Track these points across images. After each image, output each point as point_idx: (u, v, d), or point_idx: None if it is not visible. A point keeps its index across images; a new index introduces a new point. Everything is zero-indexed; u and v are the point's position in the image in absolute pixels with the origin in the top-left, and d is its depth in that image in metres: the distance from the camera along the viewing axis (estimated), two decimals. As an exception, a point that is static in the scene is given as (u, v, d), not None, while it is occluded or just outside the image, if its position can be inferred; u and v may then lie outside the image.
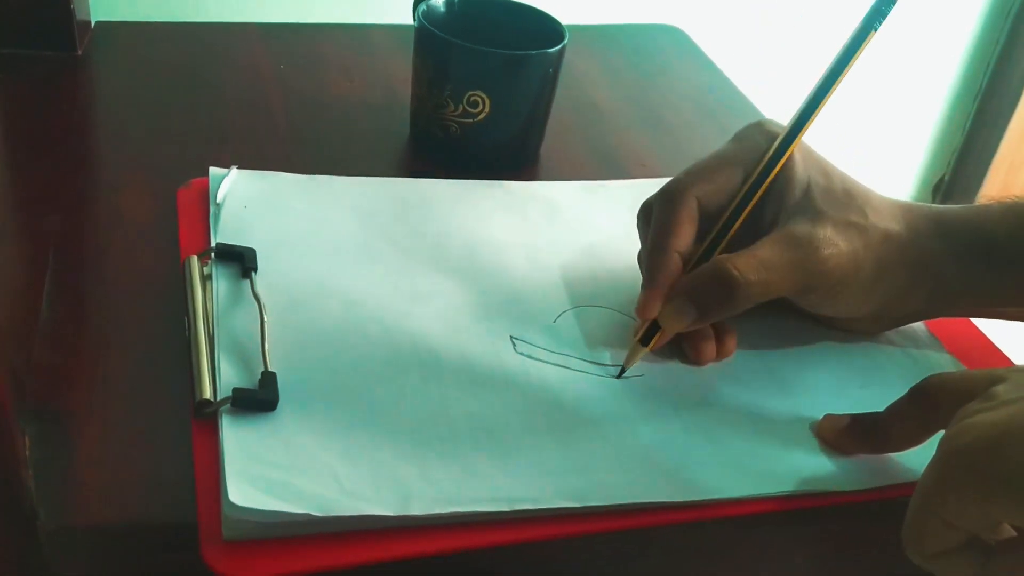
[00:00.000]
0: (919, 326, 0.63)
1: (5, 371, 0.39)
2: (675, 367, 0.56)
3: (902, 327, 0.62)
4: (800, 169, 0.56)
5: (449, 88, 0.70)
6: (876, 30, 0.55)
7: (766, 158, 0.56)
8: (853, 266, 0.54)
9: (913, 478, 0.50)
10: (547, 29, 0.73)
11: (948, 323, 0.64)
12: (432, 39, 0.69)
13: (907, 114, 1.83)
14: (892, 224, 0.56)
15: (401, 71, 0.79)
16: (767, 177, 0.55)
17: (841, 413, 0.53)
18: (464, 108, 0.70)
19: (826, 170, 0.57)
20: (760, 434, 0.53)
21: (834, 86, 0.56)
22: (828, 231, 0.54)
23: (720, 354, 0.57)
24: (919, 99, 1.82)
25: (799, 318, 0.61)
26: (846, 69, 0.56)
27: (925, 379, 0.48)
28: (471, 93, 0.69)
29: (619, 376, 0.55)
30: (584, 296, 0.60)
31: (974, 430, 0.40)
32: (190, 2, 1.15)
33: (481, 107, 0.70)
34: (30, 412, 0.48)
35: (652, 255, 0.55)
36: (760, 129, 0.57)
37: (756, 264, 0.53)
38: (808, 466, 0.51)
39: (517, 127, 0.73)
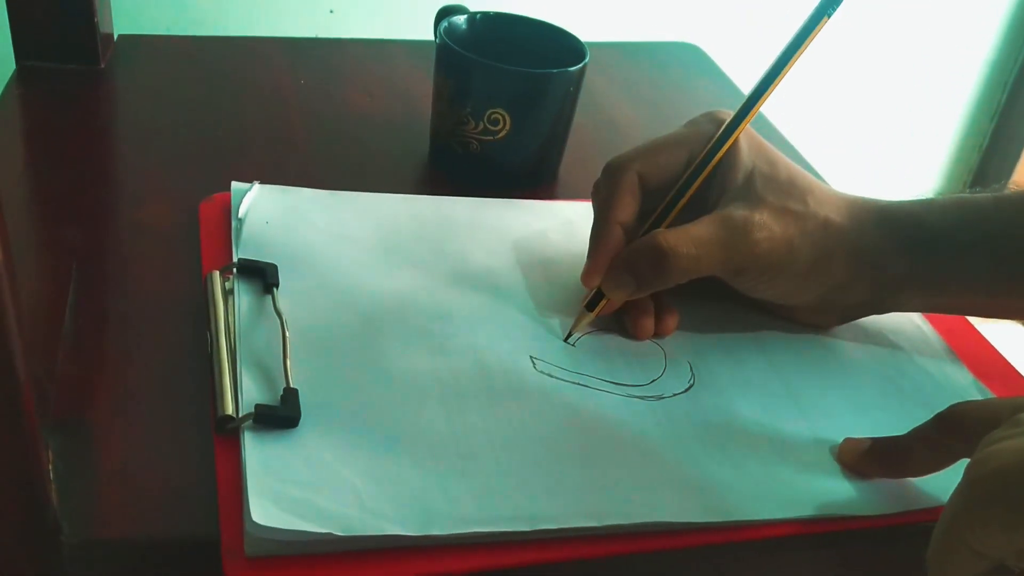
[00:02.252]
0: (938, 343, 0.63)
1: (30, 384, 0.39)
2: (696, 388, 0.56)
3: (922, 351, 0.62)
4: (745, 156, 0.58)
5: (470, 105, 0.70)
6: (830, 16, 0.56)
7: (712, 141, 0.58)
8: (787, 251, 0.56)
9: (934, 504, 0.51)
10: (568, 47, 0.73)
11: (966, 342, 0.64)
12: (454, 56, 0.69)
13: (924, 133, 1.83)
14: (833, 214, 0.58)
15: (421, 87, 0.79)
16: (712, 159, 0.57)
17: (861, 436, 0.53)
18: (485, 126, 0.70)
19: (772, 159, 0.58)
20: (780, 456, 0.53)
21: (783, 72, 0.57)
22: (764, 215, 0.56)
23: (659, 331, 0.60)
24: (936, 118, 1.82)
25: (817, 336, 0.62)
26: (796, 54, 0.56)
27: (950, 406, 0.48)
28: (492, 111, 0.69)
29: (565, 339, 0.58)
30: (604, 316, 0.60)
31: (1000, 457, 0.40)
32: (212, 16, 1.16)
33: (502, 125, 0.70)
34: (53, 425, 0.48)
35: (595, 226, 0.59)
36: (710, 117, 0.60)
37: (687, 239, 0.55)
38: (829, 490, 0.51)
39: (537, 145, 0.73)
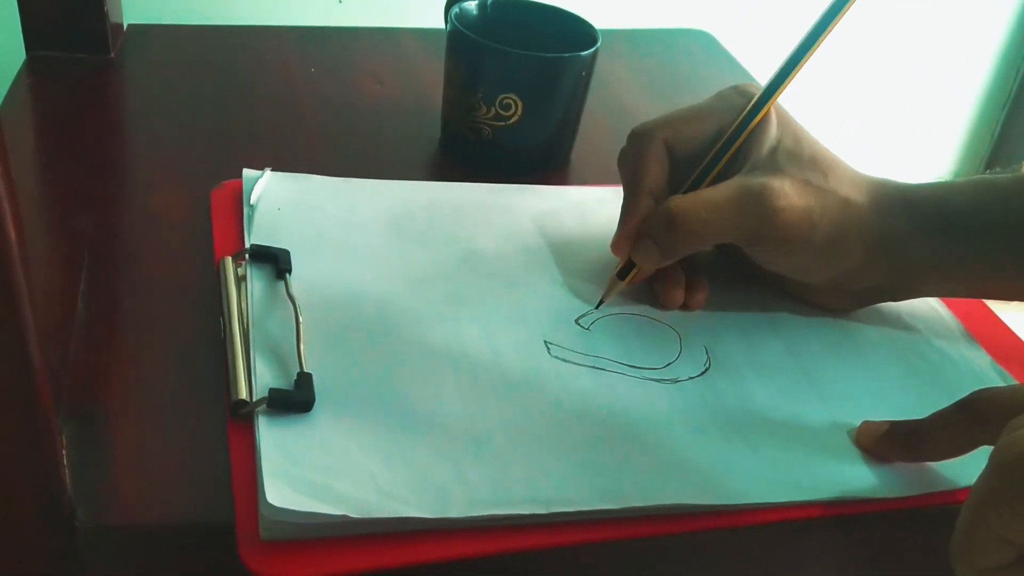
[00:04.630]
0: (955, 327, 0.63)
1: (44, 370, 0.39)
2: (712, 372, 0.56)
3: (939, 333, 0.62)
4: (772, 131, 0.58)
5: (481, 91, 0.69)
6: None
7: (744, 113, 0.57)
8: (807, 223, 0.55)
9: (953, 486, 0.50)
10: (580, 32, 0.72)
11: (984, 325, 0.63)
12: (465, 41, 0.69)
13: (936, 122, 1.82)
14: (854, 193, 0.57)
15: (432, 74, 0.79)
16: (745, 129, 0.57)
17: (879, 419, 0.52)
18: (496, 111, 0.70)
19: (798, 135, 0.58)
20: (797, 439, 0.52)
21: (818, 42, 0.56)
22: (784, 184, 0.55)
23: (688, 303, 0.60)
24: (948, 107, 1.81)
25: (834, 319, 0.61)
26: (832, 24, 0.56)
27: (973, 392, 0.47)
28: (503, 96, 0.69)
29: (597, 307, 0.59)
30: (617, 300, 0.60)
31: None
32: (221, 5, 1.16)
33: (513, 110, 0.69)
34: (66, 411, 0.48)
35: (624, 195, 0.59)
36: (739, 90, 0.59)
37: (698, 202, 0.55)
38: (846, 473, 0.51)
39: (549, 130, 0.72)
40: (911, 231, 0.58)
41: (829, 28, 0.56)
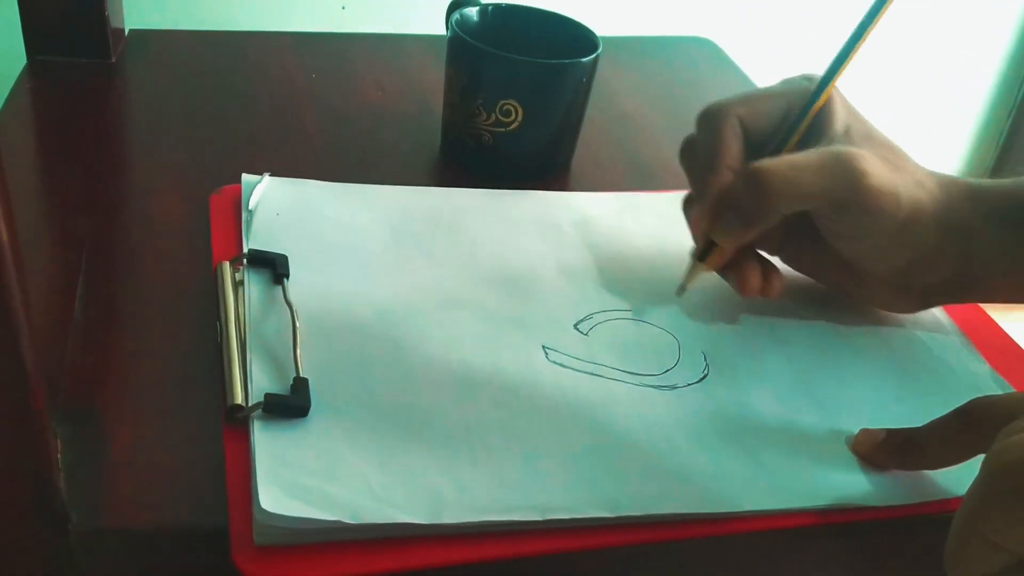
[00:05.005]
0: (955, 334, 0.62)
1: (38, 372, 0.39)
2: (710, 378, 0.56)
3: (939, 342, 0.62)
4: (841, 115, 0.57)
5: (482, 97, 0.69)
6: None
7: (815, 86, 0.57)
8: (892, 195, 0.54)
9: (949, 495, 0.50)
10: (580, 39, 0.72)
11: (984, 333, 0.63)
12: (465, 48, 0.69)
13: (941, 129, 1.82)
14: (925, 180, 0.57)
15: (432, 81, 0.79)
16: (816, 100, 0.57)
17: (877, 427, 0.52)
18: (496, 117, 0.70)
19: (867, 124, 0.59)
20: (796, 448, 0.52)
21: (878, 16, 0.56)
22: (869, 154, 0.54)
23: (766, 290, 0.59)
24: (953, 114, 1.81)
25: (833, 326, 0.61)
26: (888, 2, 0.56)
27: (971, 401, 0.47)
28: (504, 102, 0.69)
29: (678, 293, 0.59)
30: (616, 306, 0.60)
31: (1020, 448, 0.39)
32: (222, 11, 1.16)
33: (514, 116, 0.69)
34: (62, 414, 0.48)
35: (704, 171, 0.58)
36: (805, 76, 0.59)
37: (785, 162, 0.54)
38: (844, 481, 0.50)
39: (549, 136, 0.72)
40: (980, 220, 0.57)
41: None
